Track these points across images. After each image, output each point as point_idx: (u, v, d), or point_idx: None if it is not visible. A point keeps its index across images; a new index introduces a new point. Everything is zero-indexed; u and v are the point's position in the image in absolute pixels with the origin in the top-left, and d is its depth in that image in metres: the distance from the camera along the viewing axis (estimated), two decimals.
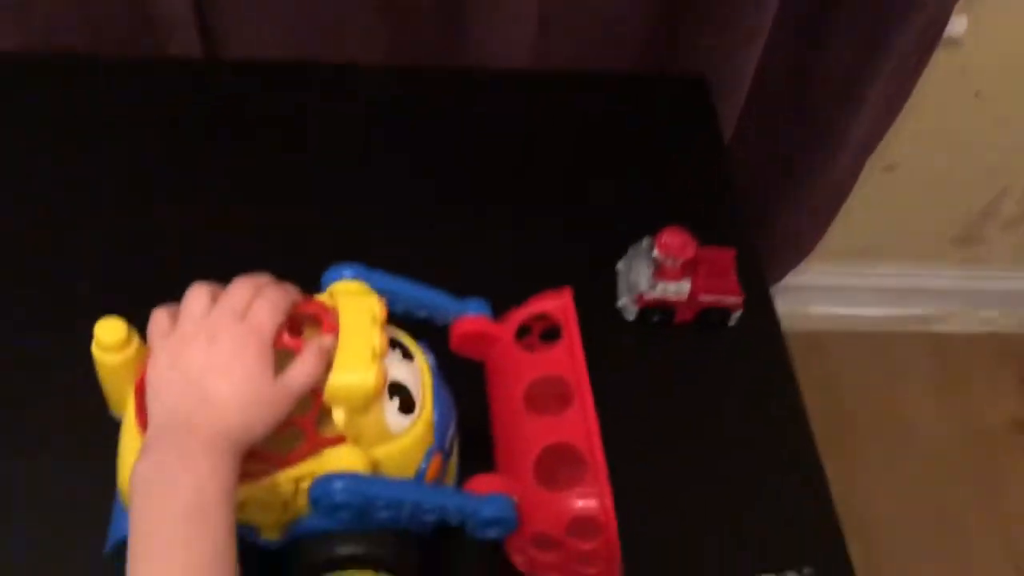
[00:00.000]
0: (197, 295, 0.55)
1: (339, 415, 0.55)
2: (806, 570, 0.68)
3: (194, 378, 0.52)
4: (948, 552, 1.40)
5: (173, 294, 0.56)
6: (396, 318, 0.62)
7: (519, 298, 0.72)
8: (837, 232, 1.38)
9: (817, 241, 1.37)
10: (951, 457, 1.49)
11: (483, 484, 0.62)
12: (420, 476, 0.60)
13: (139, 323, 0.57)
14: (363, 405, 0.56)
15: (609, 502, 0.60)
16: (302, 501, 0.58)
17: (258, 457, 0.54)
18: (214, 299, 0.55)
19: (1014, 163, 1.38)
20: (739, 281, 0.82)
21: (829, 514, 0.74)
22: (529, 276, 0.75)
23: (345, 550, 0.59)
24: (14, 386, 0.74)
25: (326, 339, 0.55)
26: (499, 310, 0.71)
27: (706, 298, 0.80)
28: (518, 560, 0.65)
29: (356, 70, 1.00)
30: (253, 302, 0.54)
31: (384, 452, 0.58)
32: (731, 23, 1.02)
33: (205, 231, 0.85)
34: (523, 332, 0.71)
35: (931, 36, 1.09)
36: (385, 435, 0.58)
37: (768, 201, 1.25)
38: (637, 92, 1.03)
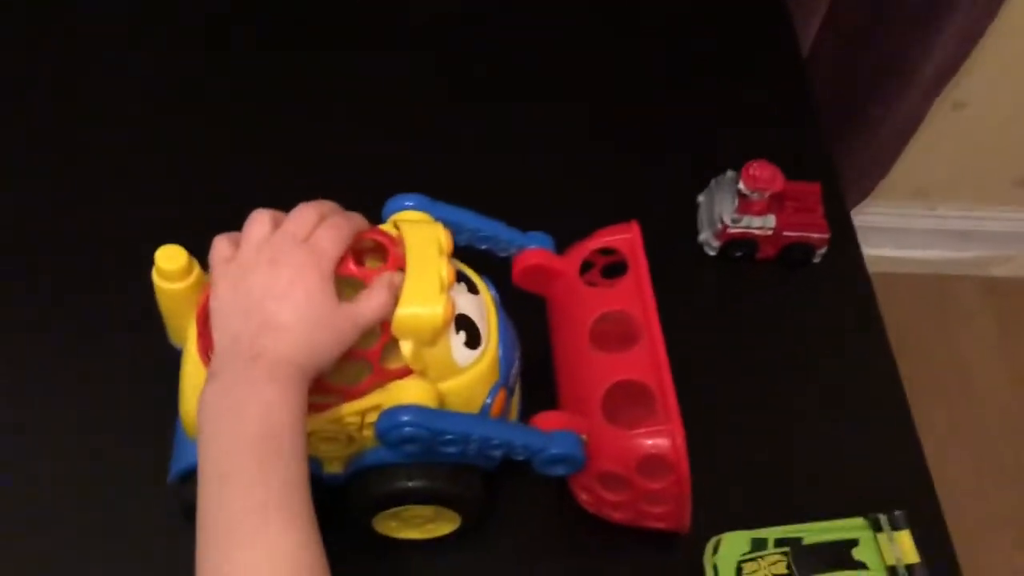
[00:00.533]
0: (258, 220, 0.53)
1: (407, 347, 0.54)
2: (896, 512, 0.66)
3: (255, 302, 0.50)
4: (1012, 494, 1.38)
5: (232, 225, 0.54)
6: (458, 250, 0.60)
7: (590, 231, 0.69)
8: (898, 171, 1.34)
9: (880, 179, 1.34)
10: (1009, 401, 1.46)
11: (550, 421, 0.61)
12: (485, 411, 0.59)
13: (200, 254, 0.56)
14: (431, 338, 0.54)
15: (681, 441, 0.58)
16: (367, 434, 0.57)
17: (324, 389, 0.53)
18: (276, 225, 0.53)
19: None
20: (825, 217, 0.79)
21: (917, 457, 0.72)
22: (602, 209, 0.72)
23: (409, 484, 0.58)
24: (77, 311, 0.73)
25: (396, 274, 0.54)
26: (569, 243, 0.69)
27: (791, 233, 0.78)
28: (583, 498, 0.64)
29: None
30: (316, 228, 0.53)
31: (450, 386, 0.57)
32: None
33: (260, 161, 0.83)
34: (587, 267, 0.68)
35: None
36: (451, 368, 0.57)
37: (834, 134, 1.22)
38: (714, 8, 0.99)
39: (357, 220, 0.56)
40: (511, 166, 0.85)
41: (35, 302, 0.74)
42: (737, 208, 0.77)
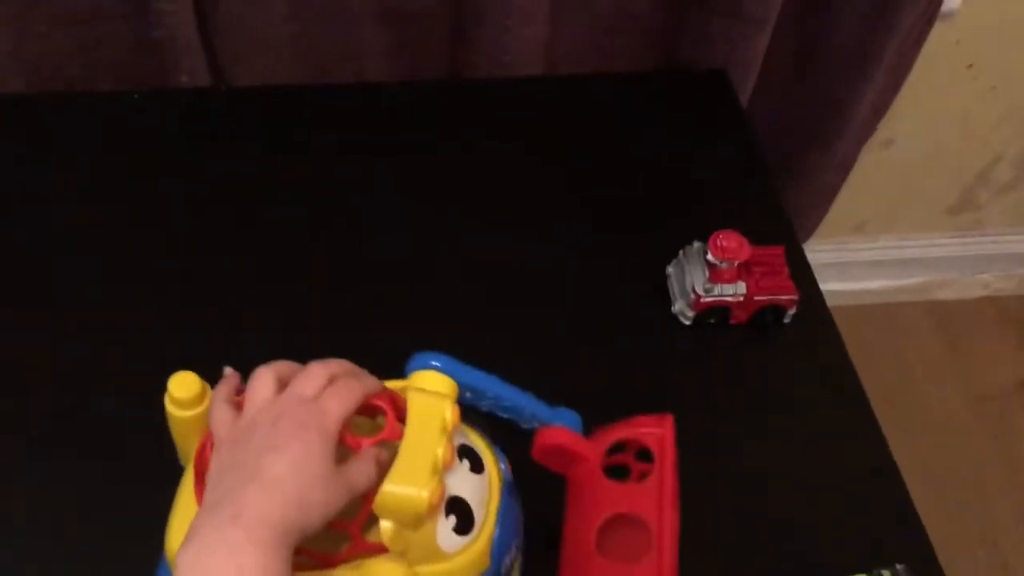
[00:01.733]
0: (263, 381, 0.52)
1: (387, 527, 0.51)
2: (899, 566, 0.67)
3: (251, 457, 0.49)
4: (968, 515, 1.42)
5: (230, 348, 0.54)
6: (477, 414, 0.57)
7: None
8: (836, 209, 1.39)
9: (821, 219, 1.38)
10: (962, 423, 1.51)
11: None
12: None
13: (204, 374, 0.56)
14: (413, 521, 0.51)
15: None
16: None
17: (298, 551, 0.49)
18: (281, 384, 0.52)
19: (1005, 131, 1.40)
20: (791, 277, 0.81)
21: (909, 510, 0.74)
22: (566, 285, 0.73)
23: None
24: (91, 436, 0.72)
25: (383, 450, 0.52)
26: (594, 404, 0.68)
27: (762, 298, 0.80)
28: None
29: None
30: (325, 389, 0.51)
31: (430, 571, 0.53)
32: (740, 12, 1.01)
33: (285, 306, 0.81)
34: (615, 450, 0.66)
35: (932, 9, 1.10)
36: (435, 554, 0.53)
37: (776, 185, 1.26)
38: (656, 89, 1.02)
39: (369, 383, 0.54)
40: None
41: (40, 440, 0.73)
42: (708, 278, 0.79)
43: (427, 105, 0.98)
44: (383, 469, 0.51)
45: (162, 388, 0.57)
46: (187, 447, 0.59)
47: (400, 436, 0.52)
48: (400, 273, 0.84)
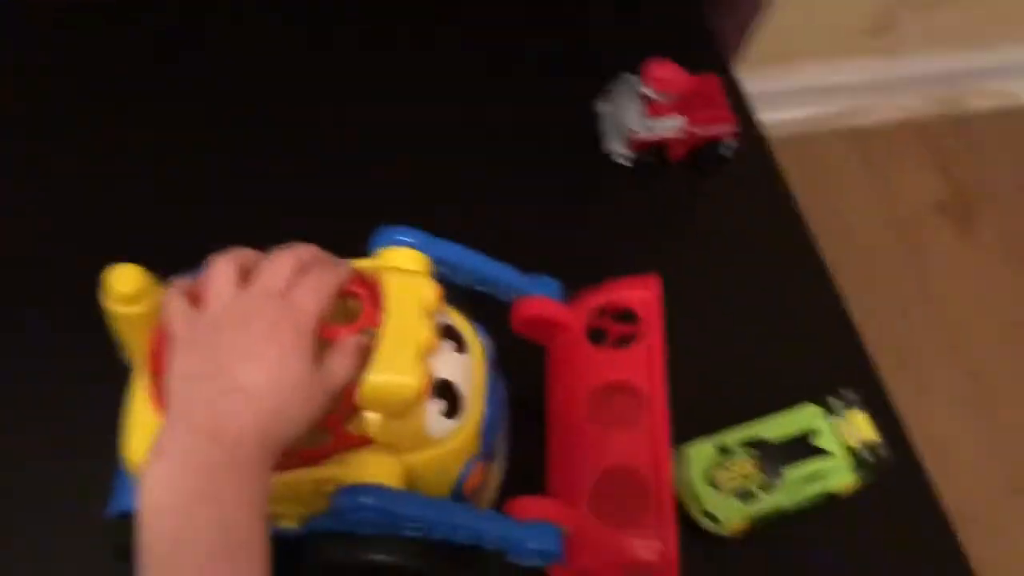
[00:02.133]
0: (224, 273, 0.46)
1: (374, 419, 0.49)
2: (846, 392, 0.67)
3: (221, 366, 0.44)
4: (887, 332, 1.46)
5: (192, 249, 0.48)
6: (457, 291, 0.53)
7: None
8: (756, 38, 1.35)
9: (739, 42, 1.34)
10: (882, 243, 1.53)
11: (530, 508, 0.55)
12: (459, 486, 0.54)
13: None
14: (402, 411, 0.49)
15: (673, 548, 0.52)
16: (321, 503, 0.51)
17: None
18: (243, 275, 0.46)
19: None
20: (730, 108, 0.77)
21: (854, 339, 0.74)
22: (495, 138, 0.69)
23: (365, 556, 0.53)
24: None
25: (365, 337, 0.47)
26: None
27: (702, 131, 0.76)
28: None
29: None
30: (295, 283, 0.46)
31: (420, 459, 0.51)
32: None
33: (226, 179, 0.75)
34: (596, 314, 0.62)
35: None
36: (424, 441, 0.51)
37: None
38: None
39: (342, 270, 0.49)
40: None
41: None
42: (646, 113, 0.74)
43: None
44: (366, 358, 0.46)
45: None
46: (132, 344, 0.53)
47: (379, 322, 0.47)
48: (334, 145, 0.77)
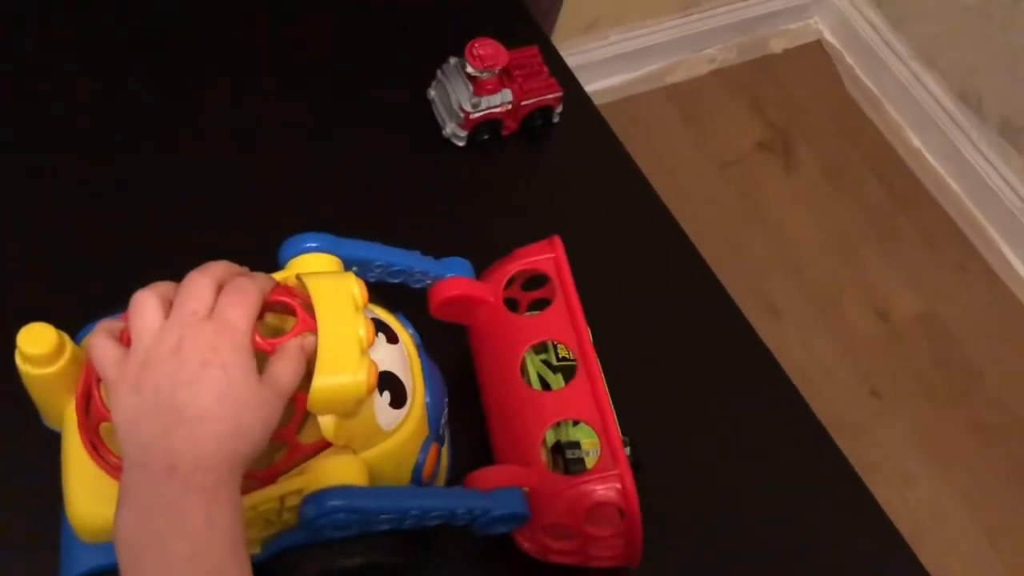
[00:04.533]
0: (146, 306, 0.45)
1: (327, 422, 0.48)
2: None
3: (165, 399, 0.43)
4: (734, 270, 1.54)
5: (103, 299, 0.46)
6: (369, 289, 0.52)
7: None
8: (566, 11, 1.40)
9: (554, 21, 1.38)
10: (715, 191, 1.61)
11: (488, 478, 0.56)
12: (417, 471, 0.54)
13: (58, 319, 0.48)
14: (355, 409, 0.48)
15: (631, 484, 0.54)
16: (288, 517, 0.51)
17: None
18: (167, 305, 0.45)
19: None
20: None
21: (709, 276, 0.78)
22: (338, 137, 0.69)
23: (339, 563, 0.52)
24: None
25: (307, 337, 0.47)
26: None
27: (529, 101, 0.79)
28: (527, 547, 0.60)
29: None
30: (219, 299, 0.45)
31: (377, 453, 0.51)
32: None
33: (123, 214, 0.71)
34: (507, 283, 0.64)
35: None
36: (377, 435, 0.51)
37: None
38: None
39: (261, 279, 0.48)
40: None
41: None
42: (473, 92, 0.77)
43: None
44: (311, 359, 0.46)
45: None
46: (52, 406, 0.51)
47: (314, 326, 0.47)
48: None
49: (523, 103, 0.79)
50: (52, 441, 0.51)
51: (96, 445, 0.47)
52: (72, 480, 0.49)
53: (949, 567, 1.34)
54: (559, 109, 0.82)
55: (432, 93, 0.81)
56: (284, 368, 0.45)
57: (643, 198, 0.82)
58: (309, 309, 0.48)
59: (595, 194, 0.82)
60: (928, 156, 1.68)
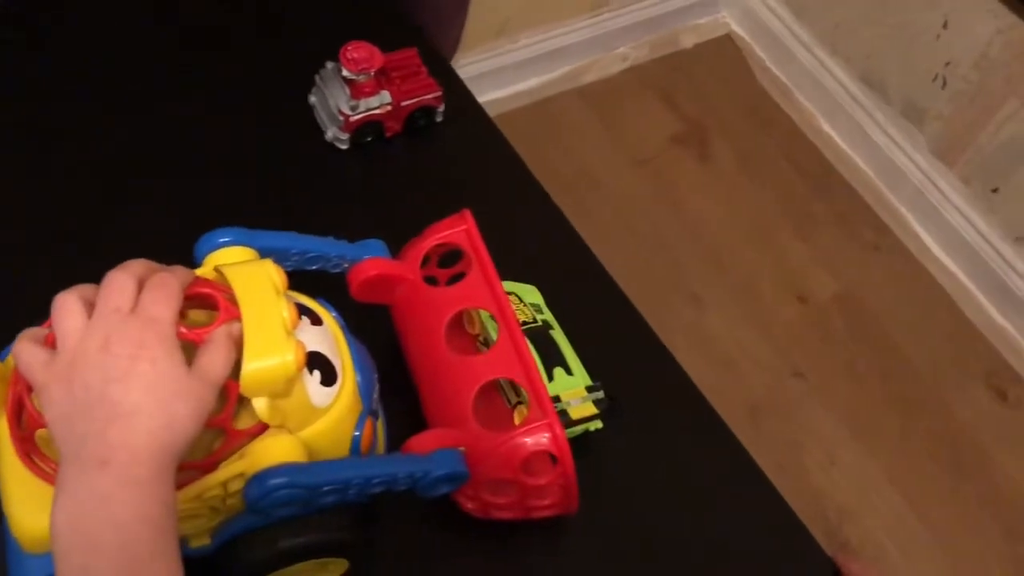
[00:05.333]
0: (68, 308, 0.46)
1: (260, 404, 0.49)
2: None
3: (96, 395, 0.44)
4: (654, 262, 1.57)
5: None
6: (290, 277, 0.54)
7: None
8: (476, 16, 1.41)
9: (462, 26, 1.40)
10: (633, 187, 1.64)
11: (424, 442, 0.58)
12: (356, 446, 0.56)
13: None
14: (286, 389, 0.50)
15: (561, 432, 0.57)
16: (232, 503, 0.52)
17: (177, 466, 0.47)
18: (89, 306, 0.46)
19: None
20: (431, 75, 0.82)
21: (624, 304, 0.79)
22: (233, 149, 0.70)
23: (284, 545, 0.53)
24: None
25: (234, 324, 0.48)
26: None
27: (409, 101, 0.80)
28: (469, 507, 0.63)
29: None
30: (141, 295, 0.46)
31: (313, 431, 0.53)
32: None
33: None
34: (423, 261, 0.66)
35: None
36: (313, 413, 0.52)
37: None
38: None
39: (181, 273, 0.49)
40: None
41: None
42: (351, 95, 0.78)
43: None
44: (239, 346, 0.48)
45: None
46: None
47: (238, 314, 0.49)
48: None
49: (403, 103, 0.80)
50: None
51: (32, 454, 0.48)
52: (11, 493, 0.50)
53: (880, 543, 1.37)
54: (441, 108, 0.83)
55: (312, 99, 0.81)
56: (214, 357, 0.47)
57: (528, 191, 0.83)
58: (231, 298, 0.49)
59: (480, 189, 0.83)
60: (838, 140, 1.72)
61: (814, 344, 1.53)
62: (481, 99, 1.54)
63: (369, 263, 0.64)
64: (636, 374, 0.74)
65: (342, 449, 0.55)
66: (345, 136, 0.79)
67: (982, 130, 1.50)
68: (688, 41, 1.82)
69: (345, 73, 0.77)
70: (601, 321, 0.76)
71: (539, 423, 0.58)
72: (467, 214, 0.66)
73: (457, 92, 0.86)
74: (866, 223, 1.66)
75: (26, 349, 0.46)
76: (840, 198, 1.69)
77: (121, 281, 0.47)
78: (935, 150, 1.58)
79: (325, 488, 0.52)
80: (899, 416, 1.48)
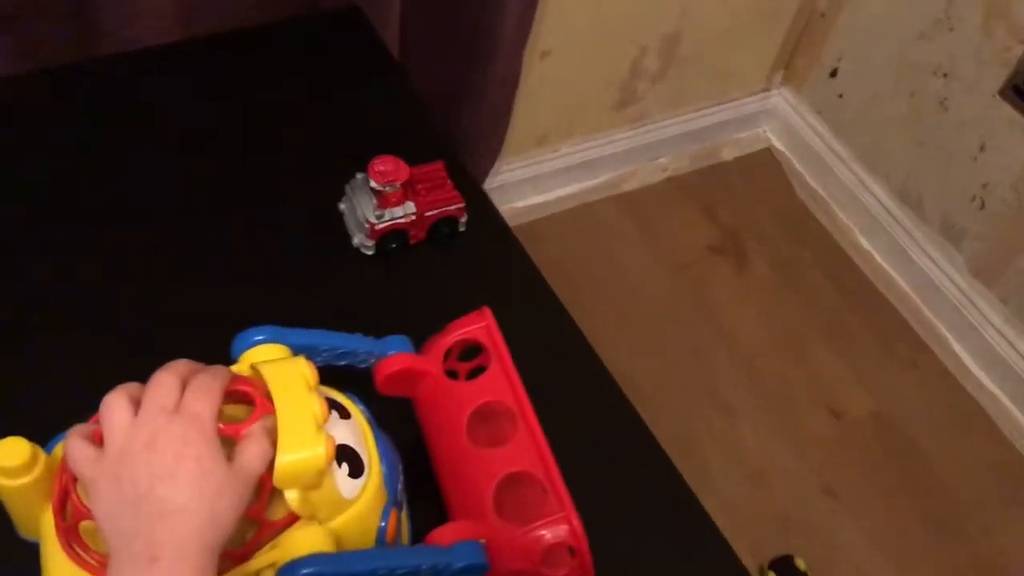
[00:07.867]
0: (117, 406, 0.49)
1: (293, 496, 0.52)
2: None
3: (144, 493, 0.46)
4: (688, 370, 1.57)
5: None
6: (319, 372, 0.57)
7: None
8: (517, 126, 1.46)
9: (503, 137, 1.45)
10: (669, 294, 1.65)
11: (446, 534, 0.60)
12: (381, 536, 0.58)
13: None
14: (317, 481, 0.52)
15: (579, 525, 0.59)
16: None
17: None
18: (136, 405, 0.49)
19: (641, 24, 1.52)
20: (456, 188, 0.85)
21: (612, 386, 0.80)
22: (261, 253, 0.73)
23: None
24: None
25: (268, 418, 0.51)
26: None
27: (432, 212, 0.84)
28: None
29: None
30: (184, 394, 0.49)
31: (342, 522, 0.55)
32: None
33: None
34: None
35: None
36: (340, 504, 0.55)
37: (448, 113, 1.31)
38: (294, 35, 1.02)
39: (222, 373, 0.52)
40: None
41: None
42: (377, 205, 0.82)
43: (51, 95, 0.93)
44: (274, 441, 0.50)
45: None
46: (27, 516, 0.55)
47: (272, 409, 0.52)
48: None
49: (427, 214, 0.84)
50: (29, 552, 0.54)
51: (74, 544, 0.50)
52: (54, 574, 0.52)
53: None
54: (464, 219, 0.86)
55: (342, 207, 0.85)
56: (253, 453, 0.49)
57: (543, 301, 0.85)
58: (266, 394, 0.52)
59: (496, 297, 0.85)
60: (876, 256, 1.72)
61: (847, 461, 1.51)
62: (522, 203, 1.59)
63: (393, 358, 0.67)
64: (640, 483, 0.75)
65: (368, 539, 0.57)
66: (371, 243, 0.83)
67: (1021, 250, 1.50)
68: (728, 154, 1.85)
69: (373, 184, 0.81)
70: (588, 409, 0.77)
71: (557, 516, 0.60)
72: (487, 311, 0.69)
73: (481, 204, 0.89)
74: (903, 340, 1.65)
75: (76, 445, 0.49)
76: (877, 314, 1.68)
77: (166, 381, 0.50)
78: (974, 270, 1.58)
79: None
80: (934, 539, 1.44)
